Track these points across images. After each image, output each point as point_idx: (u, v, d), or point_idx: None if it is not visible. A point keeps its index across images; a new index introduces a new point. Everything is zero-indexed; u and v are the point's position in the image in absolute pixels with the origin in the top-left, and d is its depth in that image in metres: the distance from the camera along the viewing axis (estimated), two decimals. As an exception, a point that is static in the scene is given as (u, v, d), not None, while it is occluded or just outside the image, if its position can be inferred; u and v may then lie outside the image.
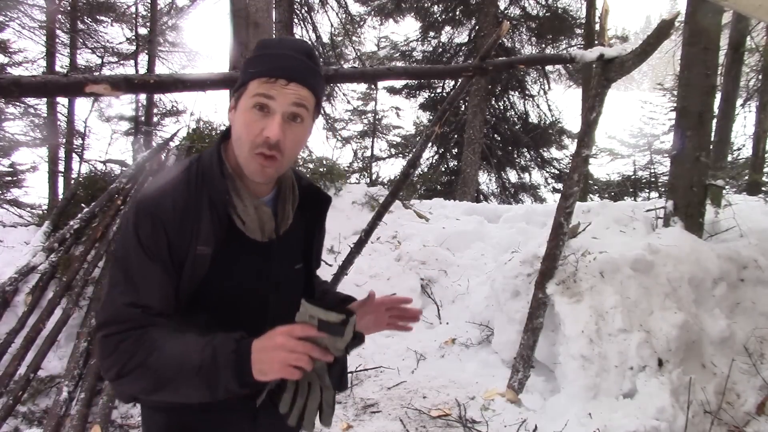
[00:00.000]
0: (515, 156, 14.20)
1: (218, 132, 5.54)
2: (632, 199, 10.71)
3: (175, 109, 12.09)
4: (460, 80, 4.33)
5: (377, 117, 14.52)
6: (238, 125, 1.17)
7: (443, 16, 13.43)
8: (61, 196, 8.81)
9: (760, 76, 9.68)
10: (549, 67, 12.77)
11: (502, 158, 13.93)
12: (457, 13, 13.23)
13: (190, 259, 1.14)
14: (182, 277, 1.15)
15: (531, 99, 13.77)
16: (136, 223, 1.13)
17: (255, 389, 1.09)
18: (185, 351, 1.07)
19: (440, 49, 13.66)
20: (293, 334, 1.05)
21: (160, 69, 11.46)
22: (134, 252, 1.12)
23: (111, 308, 1.13)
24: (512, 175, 14.31)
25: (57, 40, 10.17)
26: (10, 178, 10.40)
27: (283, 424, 1.25)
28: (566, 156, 13.49)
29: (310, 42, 11.13)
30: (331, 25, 11.61)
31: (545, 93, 13.51)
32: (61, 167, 10.42)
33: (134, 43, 11.20)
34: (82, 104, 10.92)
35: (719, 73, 6.48)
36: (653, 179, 11.94)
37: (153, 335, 1.10)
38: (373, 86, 13.63)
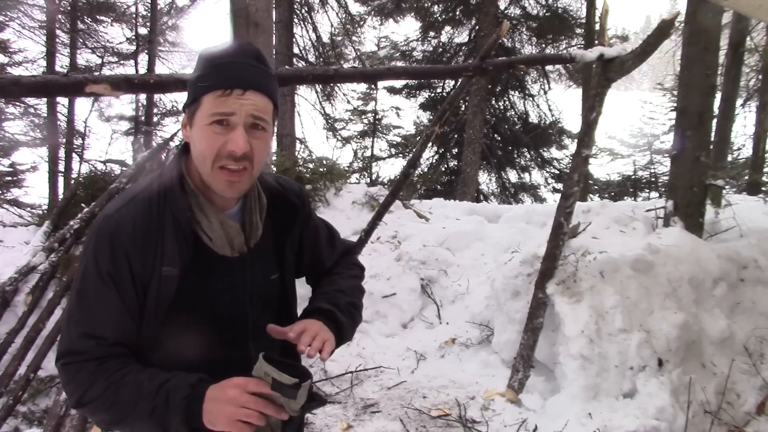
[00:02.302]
0: (515, 156, 14.18)
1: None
2: (632, 199, 10.70)
3: (175, 109, 12.07)
4: (460, 80, 4.34)
5: (377, 117, 14.51)
6: (198, 142, 1.11)
7: (443, 16, 13.41)
8: (61, 196, 8.81)
9: (760, 76, 9.69)
10: (549, 67, 12.76)
11: (502, 158, 13.92)
12: (457, 13, 13.21)
13: (155, 281, 1.10)
14: (148, 301, 1.10)
15: (531, 99, 13.75)
16: (95, 248, 1.09)
17: None
18: (140, 391, 1.05)
19: (440, 49, 13.64)
20: (246, 388, 1.02)
21: (160, 69, 11.45)
22: (91, 280, 1.08)
23: (67, 339, 1.11)
24: (512, 175, 14.30)
25: (57, 40, 10.15)
26: (10, 178, 10.40)
27: None
28: (566, 156, 13.47)
29: (310, 42, 11.16)
30: (331, 25, 11.62)
31: (545, 93, 13.49)
32: (61, 167, 10.40)
33: (134, 43, 11.19)
34: (82, 104, 10.91)
35: (719, 73, 6.48)
36: (653, 179, 11.94)
37: (109, 369, 1.08)
38: (373, 86, 13.62)
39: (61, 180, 10.26)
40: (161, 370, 1.09)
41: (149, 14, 10.98)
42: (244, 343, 1.23)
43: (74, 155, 10.75)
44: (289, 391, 1.01)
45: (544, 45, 12.89)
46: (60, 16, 10.16)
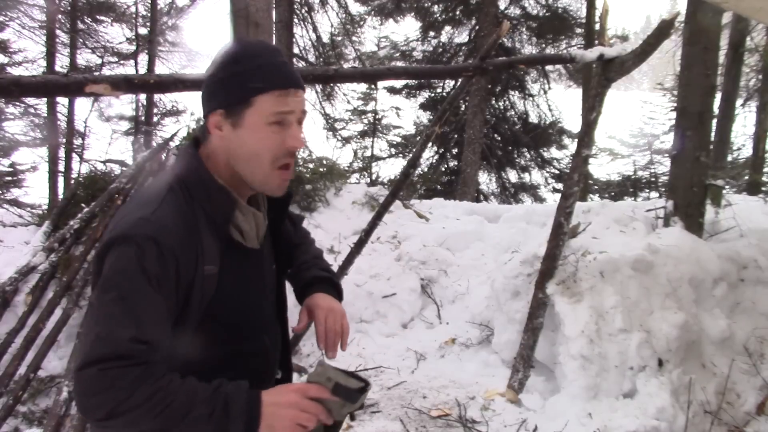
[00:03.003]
0: (515, 156, 14.17)
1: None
2: (632, 199, 10.70)
3: (175, 109, 12.07)
4: (460, 80, 4.34)
5: (377, 117, 14.50)
6: (253, 143, 1.12)
7: (443, 16, 13.41)
8: (61, 196, 8.81)
9: (760, 76, 9.68)
10: (549, 67, 12.75)
11: (502, 158, 13.91)
12: (457, 13, 13.20)
13: (199, 281, 1.10)
14: (192, 302, 1.10)
15: (531, 99, 13.74)
16: (138, 253, 1.03)
17: None
18: (194, 397, 1.01)
19: (440, 49, 13.63)
20: (307, 393, 1.06)
21: (160, 69, 11.46)
22: (137, 284, 1.02)
23: (111, 343, 0.99)
24: (512, 175, 14.28)
25: (57, 40, 10.16)
26: (10, 178, 10.40)
27: None
28: (566, 156, 13.46)
29: (310, 42, 11.16)
30: (331, 25, 11.61)
31: (545, 93, 13.48)
32: (61, 167, 10.40)
33: (134, 43, 11.19)
34: (82, 104, 10.90)
35: (719, 73, 6.47)
36: (653, 179, 11.93)
37: (155, 374, 1.01)
38: (373, 86, 13.61)
39: (61, 180, 10.26)
40: (196, 378, 1.07)
41: (149, 14, 10.99)
42: (260, 335, 1.26)
43: (74, 155, 10.75)
44: (354, 395, 1.05)
45: (544, 45, 12.89)
46: (60, 16, 10.16)
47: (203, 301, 1.11)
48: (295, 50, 10.72)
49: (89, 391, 0.99)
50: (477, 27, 12.75)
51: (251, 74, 1.11)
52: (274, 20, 7.08)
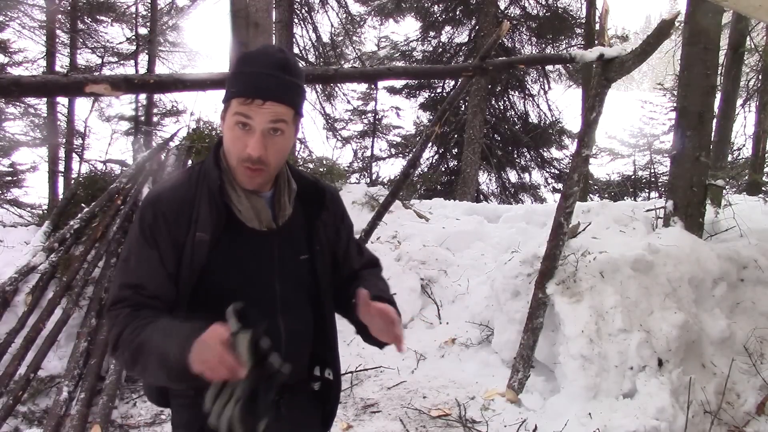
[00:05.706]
0: (515, 156, 14.18)
1: (218, 132, 5.56)
2: (632, 199, 10.70)
3: (175, 109, 12.07)
4: (460, 80, 4.35)
5: (377, 117, 14.51)
6: (226, 138, 1.28)
7: (443, 16, 13.43)
8: (61, 196, 8.80)
9: (760, 76, 9.67)
10: (549, 67, 12.76)
11: (502, 158, 13.92)
12: (457, 13, 13.23)
13: (189, 245, 1.25)
14: (183, 263, 1.26)
15: (531, 99, 13.76)
16: (140, 214, 1.29)
17: (196, 382, 1.07)
18: (158, 329, 1.15)
19: (440, 49, 13.65)
20: (217, 336, 1.03)
21: (160, 69, 11.45)
22: (136, 240, 1.27)
23: (112, 292, 1.28)
24: (512, 175, 14.30)
25: (57, 40, 10.15)
26: (10, 178, 10.40)
27: (306, 418, 1.35)
28: (566, 156, 13.47)
29: (310, 42, 11.16)
30: (331, 25, 11.63)
31: (545, 93, 13.49)
32: (61, 167, 10.40)
33: (134, 43, 11.19)
34: (82, 104, 10.90)
35: (719, 73, 6.47)
36: (653, 179, 11.94)
37: (143, 315, 1.20)
38: (373, 86, 13.61)
39: (61, 180, 10.25)
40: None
41: (149, 14, 10.98)
42: (273, 315, 1.30)
43: (74, 155, 10.75)
44: (234, 339, 1.02)
45: (544, 45, 12.90)
46: (60, 16, 10.16)
47: (195, 265, 1.25)
48: (295, 50, 10.72)
49: (107, 331, 1.31)
50: (477, 27, 12.76)
51: (235, 79, 1.25)
52: (274, 20, 7.08)
